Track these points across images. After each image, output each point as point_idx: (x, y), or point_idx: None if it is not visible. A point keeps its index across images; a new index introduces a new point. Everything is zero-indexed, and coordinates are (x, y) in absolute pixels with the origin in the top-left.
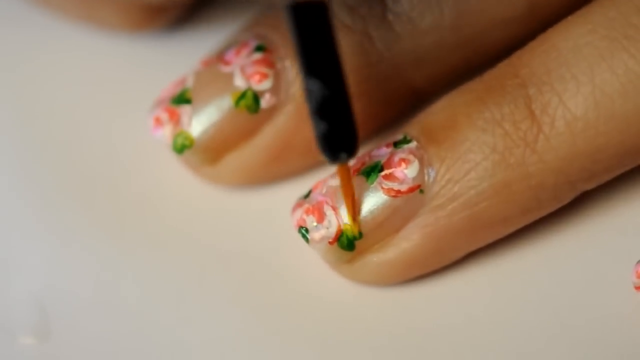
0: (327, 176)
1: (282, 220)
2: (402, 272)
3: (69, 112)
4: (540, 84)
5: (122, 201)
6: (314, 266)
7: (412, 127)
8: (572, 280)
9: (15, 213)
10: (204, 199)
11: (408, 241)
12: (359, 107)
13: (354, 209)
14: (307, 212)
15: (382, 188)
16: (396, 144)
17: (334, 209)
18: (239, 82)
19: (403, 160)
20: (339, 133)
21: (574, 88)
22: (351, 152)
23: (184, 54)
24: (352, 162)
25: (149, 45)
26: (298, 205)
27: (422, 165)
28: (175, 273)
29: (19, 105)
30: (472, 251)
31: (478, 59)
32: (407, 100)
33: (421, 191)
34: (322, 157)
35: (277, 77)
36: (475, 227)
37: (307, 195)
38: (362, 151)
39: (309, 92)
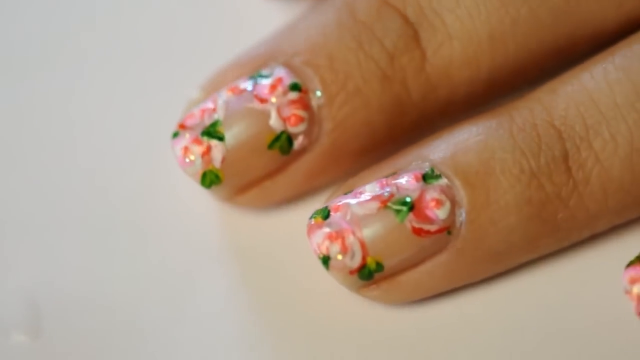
0: (348, 196)
1: (277, 217)
2: (412, 298)
3: (64, 108)
4: (578, 139)
5: (116, 197)
6: (310, 264)
7: (442, 162)
8: (568, 279)
9: (8, 210)
10: (198, 197)
11: (424, 276)
12: (386, 150)
13: None
14: (330, 238)
15: (412, 227)
16: (425, 178)
17: (360, 240)
18: (275, 124)
19: (435, 200)
20: None
21: (612, 149)
22: None
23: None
24: (374, 191)
25: (144, 41)
26: (316, 226)
27: (453, 206)
28: (168, 270)
29: (15, 102)
30: None
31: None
32: (425, 135)
33: (449, 232)
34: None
35: (311, 119)
36: (495, 270)
37: (324, 214)
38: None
39: None
